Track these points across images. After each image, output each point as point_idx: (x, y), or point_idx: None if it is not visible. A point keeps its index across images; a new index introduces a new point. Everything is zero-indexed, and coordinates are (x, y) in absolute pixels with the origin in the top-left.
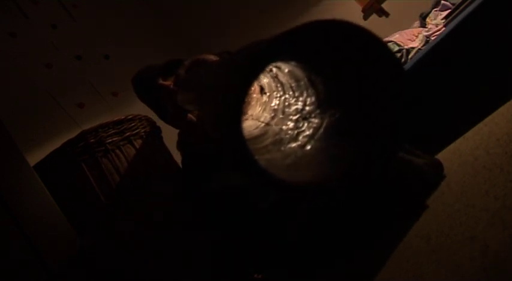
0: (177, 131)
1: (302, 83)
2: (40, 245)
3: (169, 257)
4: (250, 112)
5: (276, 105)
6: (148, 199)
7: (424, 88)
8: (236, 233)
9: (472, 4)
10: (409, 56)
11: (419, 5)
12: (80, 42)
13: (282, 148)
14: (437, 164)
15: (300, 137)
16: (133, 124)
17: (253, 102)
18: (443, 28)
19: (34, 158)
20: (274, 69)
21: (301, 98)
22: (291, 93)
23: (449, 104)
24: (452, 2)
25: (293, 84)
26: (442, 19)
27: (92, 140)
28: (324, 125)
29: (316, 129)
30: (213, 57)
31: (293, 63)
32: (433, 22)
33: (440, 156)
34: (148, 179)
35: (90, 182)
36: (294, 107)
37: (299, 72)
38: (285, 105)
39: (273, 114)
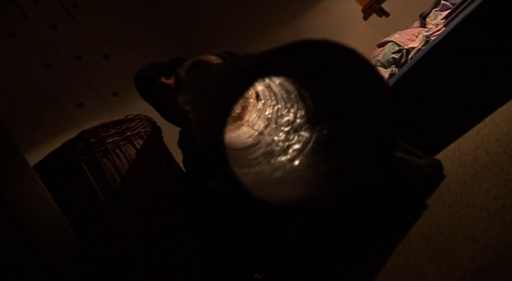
0: (178, 130)
1: (292, 95)
2: (40, 245)
3: (170, 257)
4: (246, 117)
5: (269, 114)
6: (148, 198)
7: (424, 88)
8: (236, 232)
9: (472, 4)
10: (409, 56)
11: (419, 5)
12: (80, 42)
13: (272, 161)
14: (437, 164)
15: (290, 151)
16: (133, 124)
17: (250, 107)
18: (443, 28)
19: (34, 158)
20: (267, 79)
21: (292, 110)
22: (283, 103)
23: (449, 104)
24: (452, 2)
25: (284, 96)
26: (442, 19)
27: (92, 140)
28: (313, 139)
29: (305, 144)
30: (213, 58)
31: (282, 78)
32: (433, 22)
33: (440, 156)
34: (148, 179)
35: (90, 182)
36: (286, 118)
37: (289, 86)
38: (278, 115)
39: (266, 123)
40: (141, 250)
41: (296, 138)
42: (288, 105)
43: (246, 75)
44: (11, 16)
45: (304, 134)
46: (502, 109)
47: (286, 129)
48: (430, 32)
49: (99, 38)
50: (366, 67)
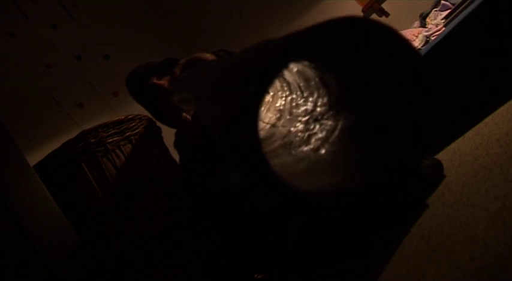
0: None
1: (312, 82)
2: (40, 245)
3: (170, 257)
4: None
5: (281, 105)
6: (148, 198)
7: (424, 88)
8: (236, 232)
9: (472, 4)
10: None
11: (419, 5)
12: (80, 42)
13: (293, 152)
14: (437, 164)
15: (312, 140)
16: (133, 124)
17: None
18: (443, 28)
19: (34, 158)
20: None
21: (310, 99)
22: (298, 93)
23: (449, 104)
24: (452, 2)
25: (301, 84)
26: (442, 19)
27: (92, 140)
28: (339, 127)
29: (330, 132)
30: (208, 56)
31: (305, 62)
32: (433, 22)
33: (440, 156)
34: (148, 179)
35: (90, 182)
36: (302, 108)
37: (310, 72)
38: (292, 106)
39: (278, 115)
40: (141, 250)
41: (318, 127)
42: (306, 93)
43: (274, 59)
44: (11, 16)
45: (328, 122)
46: (502, 109)
47: (304, 119)
48: (430, 32)
49: (99, 38)
50: (400, 43)
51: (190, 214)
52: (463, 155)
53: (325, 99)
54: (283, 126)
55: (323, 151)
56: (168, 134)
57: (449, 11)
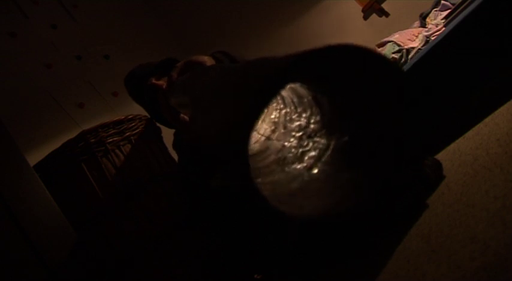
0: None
1: (305, 100)
2: (40, 245)
3: (170, 257)
4: None
5: (276, 117)
6: (148, 198)
7: (424, 88)
8: (236, 232)
9: (472, 4)
10: (409, 56)
11: (419, 5)
12: (80, 42)
13: (287, 169)
14: (437, 164)
15: (306, 158)
16: (133, 124)
17: None
18: (443, 28)
19: (34, 158)
20: None
21: (304, 115)
22: (292, 107)
23: (449, 104)
24: (452, 2)
25: (295, 100)
26: (442, 19)
27: (92, 140)
28: (331, 147)
29: (322, 151)
30: (206, 59)
31: (297, 84)
32: (433, 22)
33: (440, 156)
34: (148, 179)
35: (90, 182)
36: (296, 123)
37: (303, 90)
38: (286, 120)
39: (273, 127)
40: (141, 250)
41: (311, 144)
42: (299, 109)
43: (272, 82)
44: (11, 16)
45: (321, 140)
46: (502, 109)
47: (298, 134)
48: (430, 32)
49: (99, 38)
50: (384, 65)
51: (190, 214)
52: (463, 155)
53: (318, 118)
54: (277, 140)
55: (316, 170)
56: (168, 134)
57: (449, 11)
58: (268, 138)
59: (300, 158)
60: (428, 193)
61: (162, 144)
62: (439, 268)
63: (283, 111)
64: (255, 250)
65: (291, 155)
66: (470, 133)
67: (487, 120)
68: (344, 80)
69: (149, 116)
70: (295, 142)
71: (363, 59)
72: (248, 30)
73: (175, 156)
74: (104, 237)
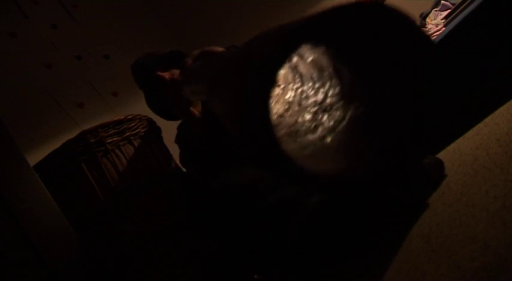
0: (176, 130)
1: (326, 73)
2: (40, 245)
3: (170, 257)
4: None
5: (291, 97)
6: (148, 198)
7: None
8: (236, 232)
9: (472, 4)
10: None
11: (419, 5)
12: (80, 42)
13: (299, 140)
14: (438, 163)
15: (319, 130)
16: (133, 124)
17: None
18: (443, 28)
19: (34, 158)
20: (295, 58)
21: (322, 90)
22: (310, 84)
23: (449, 104)
24: (452, 2)
25: (314, 75)
26: (442, 19)
27: (92, 140)
28: (347, 117)
29: (337, 122)
30: (221, 50)
31: (322, 48)
32: (433, 22)
33: (440, 156)
34: (148, 179)
35: (90, 182)
36: (312, 99)
37: (325, 61)
38: (302, 98)
39: (287, 107)
40: (141, 250)
41: (326, 117)
42: (317, 85)
43: (289, 37)
44: (11, 16)
45: (337, 112)
46: (502, 109)
47: (313, 110)
48: (430, 32)
49: (99, 38)
50: (411, 30)
51: (190, 213)
52: (463, 155)
53: (337, 90)
54: (290, 116)
55: (329, 140)
56: (168, 134)
57: (449, 11)
58: (280, 116)
59: (313, 131)
60: (430, 192)
61: (162, 144)
62: (439, 268)
63: (300, 90)
64: (255, 250)
65: (303, 128)
66: (470, 133)
67: (487, 120)
68: (366, 46)
69: (149, 117)
70: (309, 116)
71: (382, 18)
72: (248, 30)
73: (175, 156)
74: (104, 237)
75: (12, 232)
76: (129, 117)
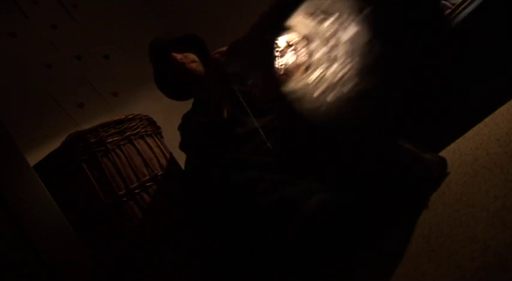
0: (177, 130)
1: (359, 52)
2: (40, 245)
3: (170, 257)
4: (289, 85)
5: (315, 76)
6: (148, 198)
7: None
8: (236, 232)
9: (472, 4)
10: None
11: None
12: (80, 42)
13: (305, 105)
14: (440, 161)
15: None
16: (133, 124)
17: (295, 76)
18: None
19: (34, 158)
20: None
21: (348, 66)
22: (342, 61)
23: (449, 104)
24: (452, 2)
25: (349, 52)
26: None
27: (92, 140)
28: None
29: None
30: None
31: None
32: None
33: None
34: (148, 179)
35: (90, 182)
36: (337, 77)
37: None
38: (325, 78)
39: (307, 84)
40: (141, 250)
41: (328, 76)
42: (347, 61)
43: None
44: (11, 16)
45: (337, 67)
46: (502, 109)
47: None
48: None
49: (99, 38)
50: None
51: (190, 213)
52: (463, 155)
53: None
54: (306, 88)
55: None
56: (168, 134)
57: (449, 11)
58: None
59: (315, 87)
60: (432, 190)
61: (162, 143)
62: (439, 268)
63: (328, 70)
64: (255, 250)
65: (308, 90)
66: (470, 133)
67: (487, 120)
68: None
69: (150, 117)
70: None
71: None
72: (248, 30)
73: (175, 155)
74: (104, 237)
75: (12, 232)
76: (130, 116)
